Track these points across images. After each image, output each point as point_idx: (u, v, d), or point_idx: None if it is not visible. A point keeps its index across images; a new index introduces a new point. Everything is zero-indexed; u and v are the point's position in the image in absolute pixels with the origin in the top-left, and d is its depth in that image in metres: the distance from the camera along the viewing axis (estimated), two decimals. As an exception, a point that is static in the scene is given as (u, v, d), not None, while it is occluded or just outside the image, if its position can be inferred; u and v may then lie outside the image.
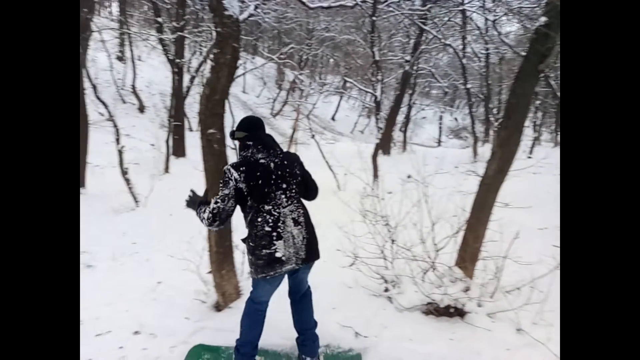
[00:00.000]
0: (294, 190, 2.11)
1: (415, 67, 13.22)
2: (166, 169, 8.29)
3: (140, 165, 7.99)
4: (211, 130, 2.58)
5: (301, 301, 2.32)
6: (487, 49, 12.83)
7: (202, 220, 2.10)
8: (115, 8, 21.19)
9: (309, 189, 2.29)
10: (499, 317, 2.63)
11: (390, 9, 10.62)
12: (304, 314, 2.30)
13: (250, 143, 2.09)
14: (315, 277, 3.40)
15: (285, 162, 2.11)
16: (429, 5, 10.53)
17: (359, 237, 3.34)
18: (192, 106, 14.08)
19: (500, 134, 2.74)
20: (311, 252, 2.13)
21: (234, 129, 2.19)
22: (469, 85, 12.56)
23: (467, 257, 2.76)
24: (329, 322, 2.70)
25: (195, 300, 3.08)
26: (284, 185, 2.07)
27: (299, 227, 2.08)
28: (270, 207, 2.03)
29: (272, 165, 2.06)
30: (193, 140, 11.00)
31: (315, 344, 2.28)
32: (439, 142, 21.30)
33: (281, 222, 2.03)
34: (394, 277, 3.04)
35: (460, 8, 10.94)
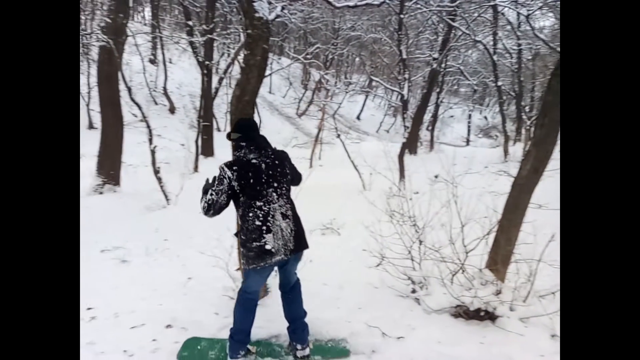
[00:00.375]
0: (284, 188, 2.25)
1: (443, 65, 12.96)
2: (195, 168, 8.53)
3: (171, 165, 8.26)
4: (241, 130, 2.63)
5: (291, 292, 2.42)
6: (519, 45, 12.39)
7: (201, 207, 2.23)
8: (148, 13, 21.95)
9: (294, 179, 2.45)
10: (533, 322, 2.54)
11: (418, 6, 10.47)
12: (294, 305, 2.41)
13: (244, 144, 2.22)
14: (341, 276, 3.43)
15: (277, 162, 2.24)
16: (458, 1, 10.28)
17: (385, 238, 3.31)
18: (220, 107, 14.43)
19: (535, 133, 2.65)
20: (299, 243, 2.26)
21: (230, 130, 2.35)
22: (499, 83, 12.18)
23: (499, 259, 2.68)
24: (355, 321, 2.70)
25: (224, 297, 3.16)
26: (275, 184, 2.20)
27: (287, 220, 2.21)
28: (261, 203, 2.15)
29: (263, 165, 2.19)
30: (221, 140, 11.28)
31: (305, 332, 2.39)
32: (468, 141, 20.75)
33: (270, 216, 2.16)
34: (421, 279, 2.99)
35: (492, 3, 10.61)
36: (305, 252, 3.14)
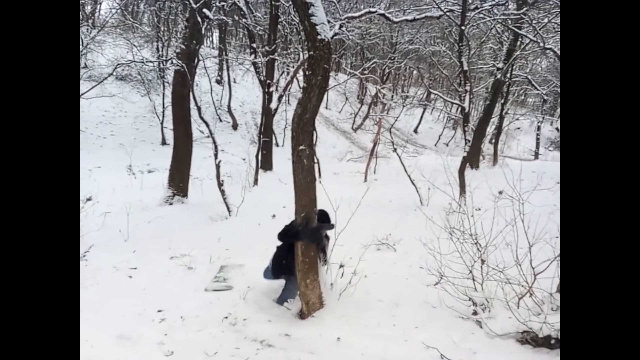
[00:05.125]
0: None
1: (508, 75, 12.29)
2: (255, 182, 8.92)
3: (233, 178, 8.74)
4: (302, 147, 2.74)
5: None
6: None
7: None
8: (215, 37, 23.70)
9: None
10: (614, 356, 2.28)
11: (481, 15, 10.11)
12: None
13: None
14: (397, 293, 3.36)
15: None
16: (525, 8, 9.75)
17: (444, 255, 3.19)
18: (279, 123, 15.02)
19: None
20: None
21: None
22: (573, 92, 11.24)
23: (573, 284, 2.46)
24: (412, 340, 2.63)
25: (281, 307, 3.25)
26: None
27: None
28: None
29: None
30: (279, 155, 11.72)
31: None
32: (537, 154, 19.29)
33: None
34: (484, 300, 2.84)
35: (562, 8, 9.92)
36: (360, 267, 3.24)
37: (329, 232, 3.45)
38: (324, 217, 3.31)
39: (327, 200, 3.60)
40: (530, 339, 2.48)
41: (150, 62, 10.69)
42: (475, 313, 2.85)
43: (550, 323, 2.37)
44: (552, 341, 2.40)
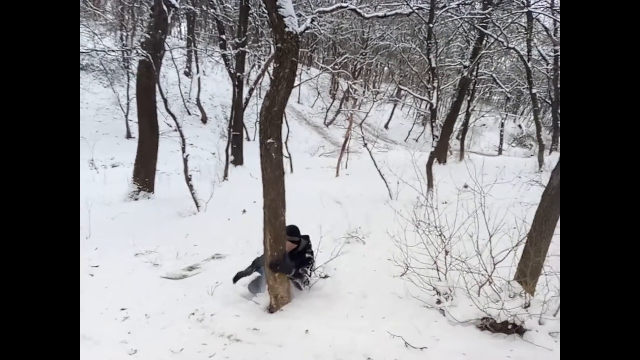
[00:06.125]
0: None
1: (474, 73, 12.70)
2: (225, 176, 8.77)
3: (202, 173, 8.55)
4: (270, 140, 2.72)
5: None
6: (556, 51, 11.96)
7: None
8: (184, 27, 22.97)
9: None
10: (564, 338, 2.43)
11: (449, 14, 10.37)
12: None
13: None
14: (366, 285, 3.42)
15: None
16: (490, 9, 10.09)
17: (411, 247, 3.28)
18: (250, 117, 14.80)
19: (566, 142, 2.57)
20: None
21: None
22: (534, 90, 11.77)
23: (528, 271, 2.59)
24: (379, 330, 2.69)
25: (250, 301, 3.23)
26: None
27: None
28: None
29: None
30: (250, 149, 11.56)
31: None
32: (500, 150, 20.11)
33: None
34: (447, 289, 2.94)
35: (525, 10, 10.34)
36: (333, 262, 3.29)
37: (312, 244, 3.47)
38: (294, 232, 3.33)
39: (299, 195, 3.61)
40: (489, 325, 2.60)
41: (113, 51, 10.21)
42: (439, 302, 2.95)
43: (507, 309, 2.49)
44: (509, 326, 2.53)
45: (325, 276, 3.46)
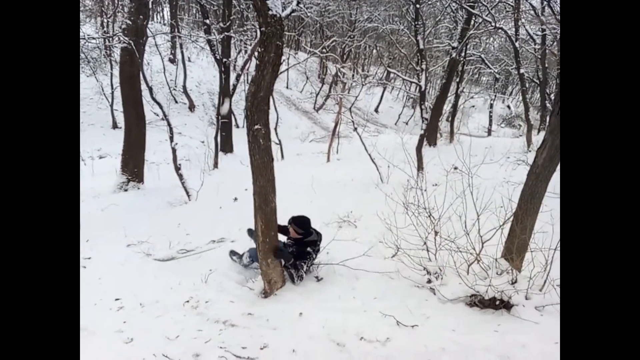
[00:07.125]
0: None
1: (463, 54, 12.65)
2: (215, 165, 8.70)
3: (191, 161, 8.48)
4: (257, 126, 2.70)
5: None
6: (543, 30, 11.95)
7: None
8: (167, 13, 22.37)
9: None
10: (548, 310, 2.52)
11: (435, -6, 10.26)
12: None
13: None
14: (358, 267, 3.47)
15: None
16: (477, -13, 9.99)
17: (401, 229, 3.33)
18: (239, 103, 14.62)
19: (551, 120, 2.60)
20: None
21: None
22: (522, 70, 11.81)
23: (515, 249, 2.66)
24: (371, 310, 2.75)
25: (244, 287, 3.27)
26: None
27: None
28: None
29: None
30: (240, 137, 11.45)
31: None
32: (489, 131, 20.23)
33: None
34: (437, 269, 3.01)
35: (512, -12, 10.27)
36: (323, 244, 3.30)
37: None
38: (302, 224, 3.34)
39: (290, 182, 3.61)
40: (477, 302, 2.67)
41: (94, 38, 9.89)
42: (429, 281, 3.02)
43: (495, 286, 2.56)
44: (497, 302, 2.61)
45: (320, 279, 3.34)
